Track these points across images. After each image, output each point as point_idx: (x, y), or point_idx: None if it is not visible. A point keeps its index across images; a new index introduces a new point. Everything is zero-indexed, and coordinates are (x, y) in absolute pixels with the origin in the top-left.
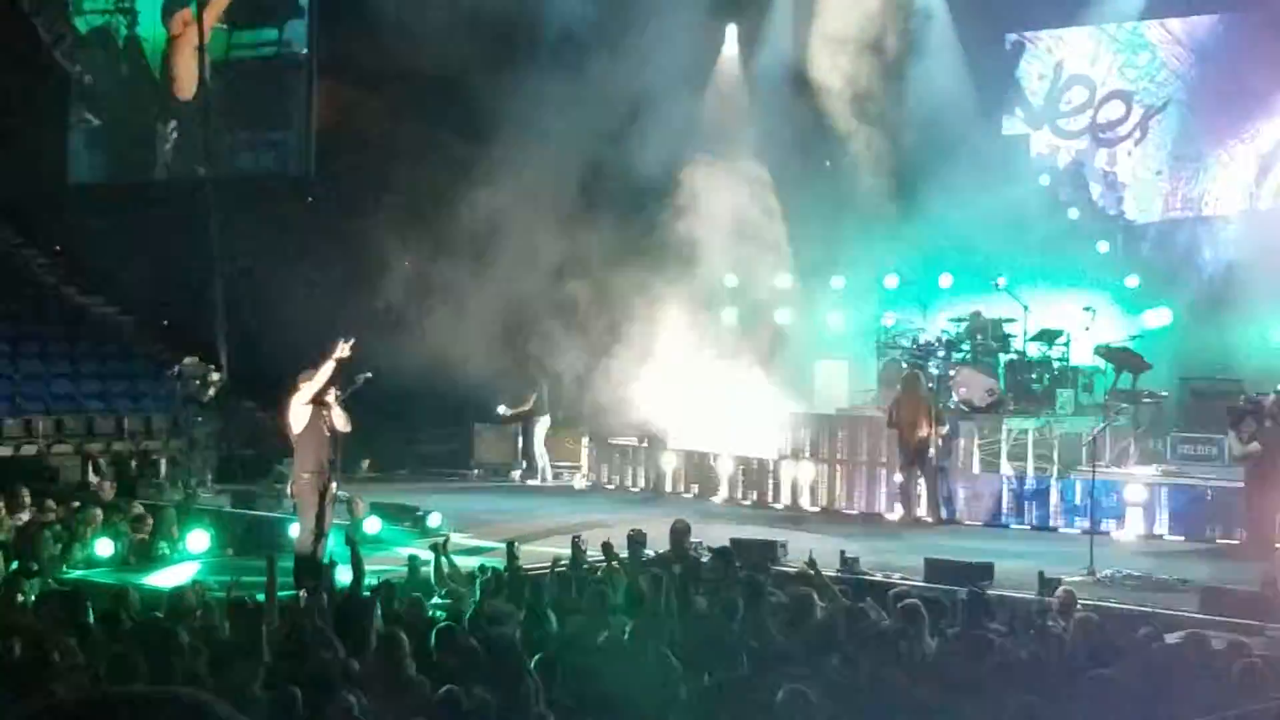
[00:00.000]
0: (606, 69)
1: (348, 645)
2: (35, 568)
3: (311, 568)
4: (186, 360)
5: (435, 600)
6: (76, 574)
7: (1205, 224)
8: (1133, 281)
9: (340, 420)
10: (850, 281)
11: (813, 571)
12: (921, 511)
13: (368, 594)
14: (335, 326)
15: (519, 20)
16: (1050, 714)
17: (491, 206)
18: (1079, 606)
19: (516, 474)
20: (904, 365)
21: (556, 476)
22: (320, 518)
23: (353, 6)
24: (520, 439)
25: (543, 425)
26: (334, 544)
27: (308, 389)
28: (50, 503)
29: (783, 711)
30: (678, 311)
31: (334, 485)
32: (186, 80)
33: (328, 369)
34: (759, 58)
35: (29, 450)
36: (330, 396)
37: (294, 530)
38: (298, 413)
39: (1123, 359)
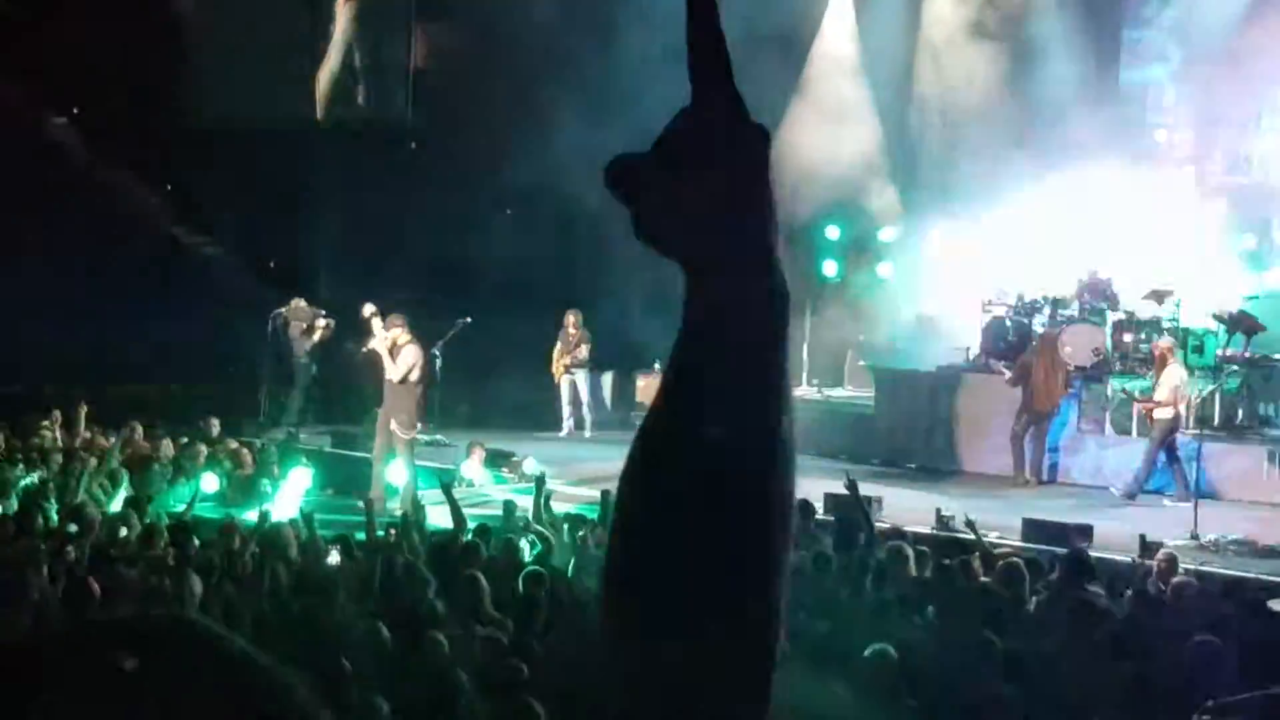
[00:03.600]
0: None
1: (440, 586)
2: (148, 498)
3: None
4: (294, 302)
5: (526, 544)
6: (182, 508)
7: None
8: (1249, 242)
9: (388, 368)
10: (954, 236)
11: (972, 534)
12: (1028, 472)
13: (468, 537)
14: (435, 271)
15: None
16: (1155, 680)
17: (589, 154)
18: (1181, 571)
19: (566, 428)
20: (1007, 323)
21: None
22: (381, 453)
23: None
24: (575, 390)
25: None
26: (423, 486)
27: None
28: (164, 437)
29: (867, 669)
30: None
31: (392, 424)
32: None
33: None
34: (870, 10)
35: (138, 386)
36: (379, 346)
37: (391, 472)
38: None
39: (1236, 321)
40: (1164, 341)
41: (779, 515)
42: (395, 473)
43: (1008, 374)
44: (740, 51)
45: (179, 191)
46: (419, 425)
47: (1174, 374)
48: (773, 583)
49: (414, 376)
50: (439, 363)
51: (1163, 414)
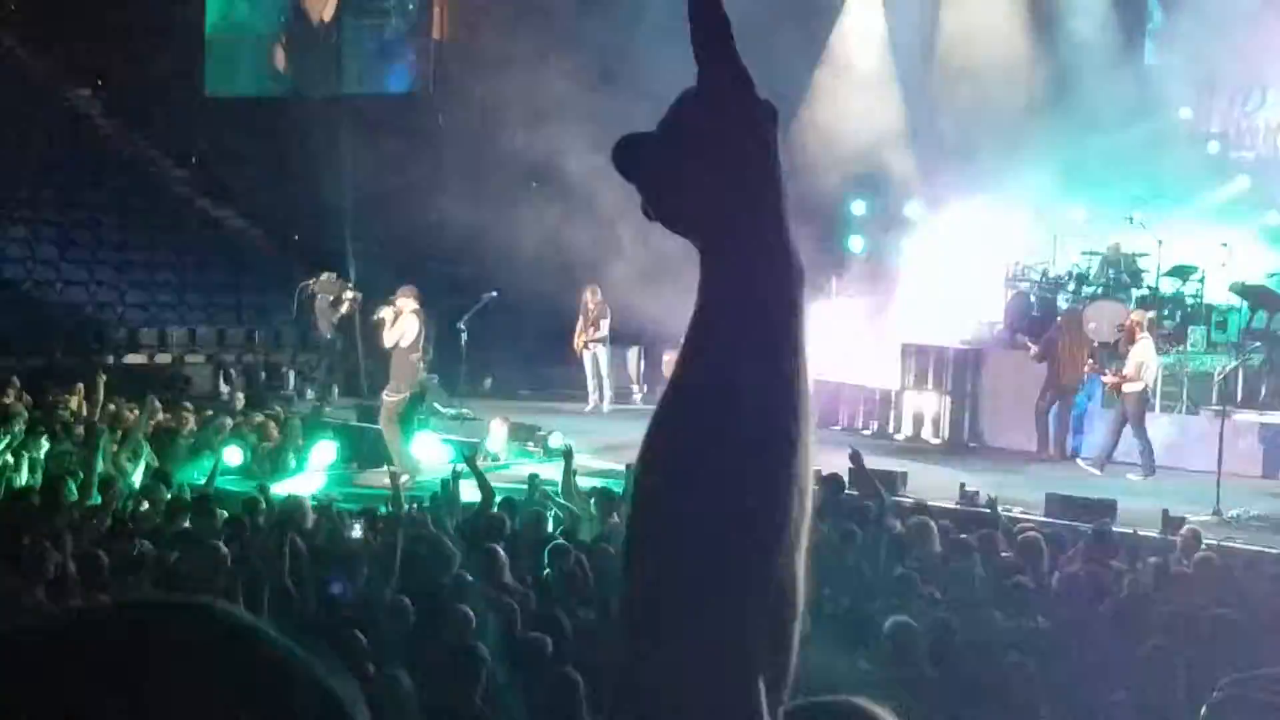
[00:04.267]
0: None
1: (465, 560)
2: (171, 472)
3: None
4: (322, 276)
5: (552, 515)
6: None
7: None
8: (1272, 219)
9: (383, 336)
10: (980, 212)
11: (990, 511)
12: (1051, 448)
13: (494, 511)
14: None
15: None
16: (1176, 655)
17: (612, 123)
18: (1203, 546)
19: (591, 402)
20: (1032, 299)
21: None
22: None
23: None
24: (596, 364)
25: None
26: (453, 460)
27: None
28: (188, 409)
29: (888, 642)
30: (801, 238)
31: (384, 396)
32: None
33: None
34: None
35: (162, 359)
36: (386, 315)
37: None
38: None
39: (1258, 297)
40: (1136, 314)
41: (789, 495)
42: (423, 445)
43: (1034, 349)
44: (766, 23)
45: (204, 165)
46: (404, 390)
47: (1144, 349)
48: (776, 564)
49: (404, 344)
50: (465, 336)
51: (1132, 388)
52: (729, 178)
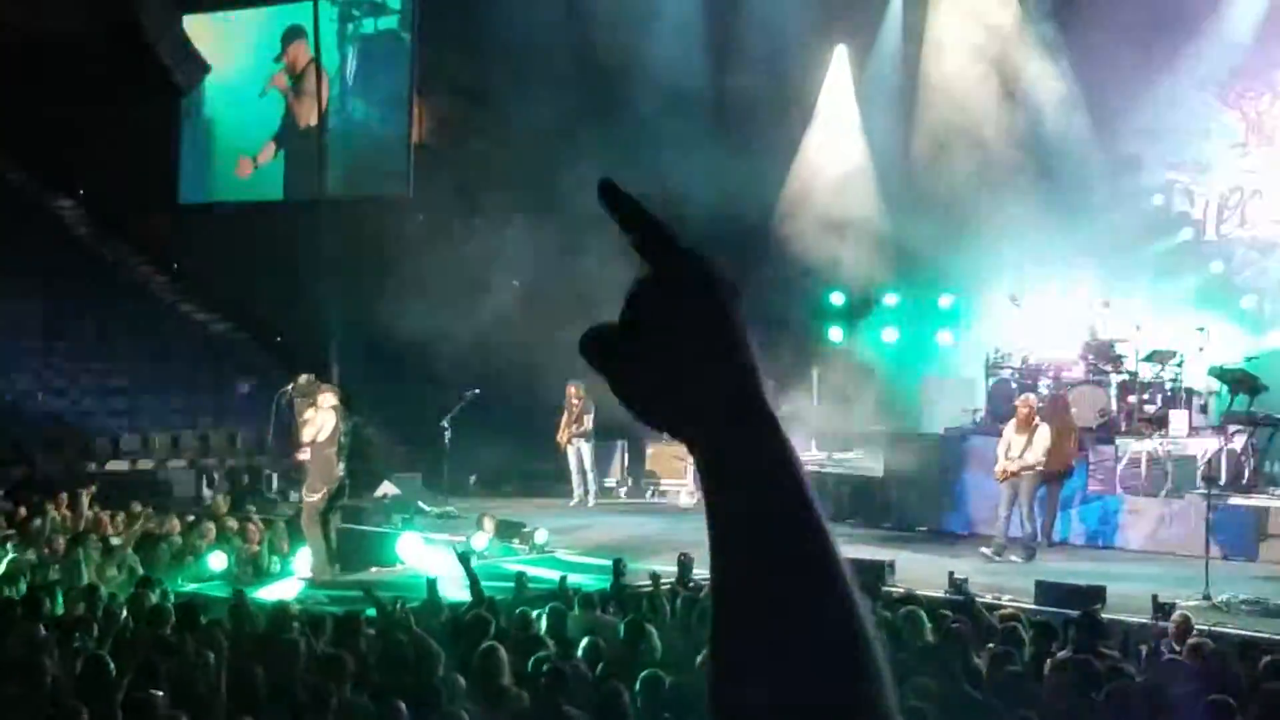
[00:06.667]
0: (711, 90)
1: (457, 660)
2: (158, 580)
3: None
4: (300, 379)
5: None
6: (190, 587)
7: None
8: (1248, 302)
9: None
10: (959, 300)
11: (961, 596)
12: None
13: (479, 610)
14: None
15: (621, 45)
16: None
17: (593, 224)
18: (1195, 632)
19: (576, 496)
20: (1013, 385)
21: (662, 494)
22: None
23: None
24: (580, 459)
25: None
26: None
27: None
28: (173, 517)
29: None
30: (783, 328)
31: (304, 495)
32: (306, 107)
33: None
34: (868, 78)
35: (145, 465)
36: (308, 414)
37: (400, 545)
38: None
39: (1238, 380)
40: (1031, 398)
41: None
42: (405, 546)
43: None
44: (745, 114)
45: (184, 270)
46: (320, 489)
47: (1045, 434)
48: None
49: (321, 438)
50: (448, 435)
51: (1030, 471)
52: (693, 362)
